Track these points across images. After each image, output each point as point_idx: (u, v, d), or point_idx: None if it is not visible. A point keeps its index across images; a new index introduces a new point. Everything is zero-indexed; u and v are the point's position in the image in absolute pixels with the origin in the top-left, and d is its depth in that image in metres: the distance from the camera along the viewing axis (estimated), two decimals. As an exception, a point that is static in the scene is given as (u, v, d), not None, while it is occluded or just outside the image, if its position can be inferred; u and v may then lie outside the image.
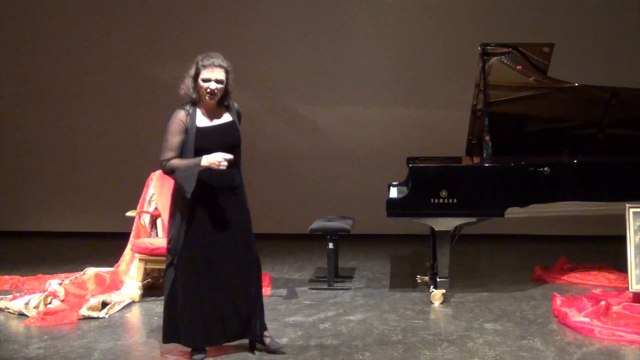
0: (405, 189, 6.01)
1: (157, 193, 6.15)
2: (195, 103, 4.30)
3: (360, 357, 4.38)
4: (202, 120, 4.27)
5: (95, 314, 5.26)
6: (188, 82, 4.29)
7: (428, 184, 5.53)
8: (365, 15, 8.40)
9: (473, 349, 4.51)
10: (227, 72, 4.28)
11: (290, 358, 4.36)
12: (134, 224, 6.00)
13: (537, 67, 5.99)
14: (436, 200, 5.48)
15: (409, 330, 4.89)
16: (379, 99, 8.41)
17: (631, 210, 5.28)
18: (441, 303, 5.52)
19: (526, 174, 5.56)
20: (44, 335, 4.86)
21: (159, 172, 6.25)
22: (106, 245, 7.26)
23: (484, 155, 5.99)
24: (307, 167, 8.25)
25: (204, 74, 4.23)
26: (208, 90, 4.22)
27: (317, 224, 6.17)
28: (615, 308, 5.04)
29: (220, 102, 4.32)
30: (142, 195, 6.18)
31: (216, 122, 4.30)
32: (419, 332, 4.86)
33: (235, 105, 4.42)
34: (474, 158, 6.31)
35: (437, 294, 5.55)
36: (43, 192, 8.78)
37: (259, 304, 4.41)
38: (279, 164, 8.42)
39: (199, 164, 4.13)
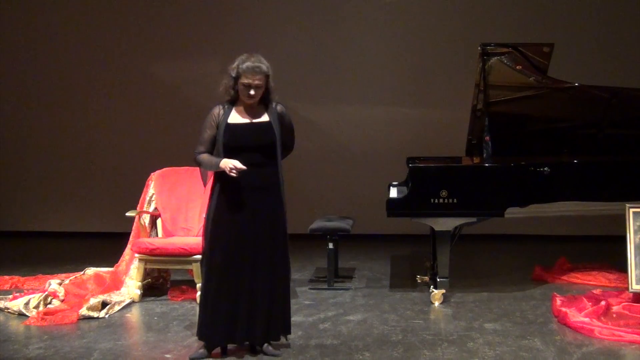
0: (405, 189, 6.01)
1: (157, 193, 6.15)
2: (233, 101, 4.34)
3: (360, 357, 4.38)
4: (235, 117, 4.32)
5: (95, 314, 5.26)
6: (227, 80, 4.30)
7: (428, 184, 5.52)
8: (365, 15, 8.40)
9: (473, 349, 4.51)
10: (267, 75, 4.28)
11: (291, 358, 4.36)
12: (134, 224, 6.00)
13: (537, 67, 5.99)
14: (436, 200, 5.48)
15: (409, 330, 4.89)
16: (379, 99, 8.40)
17: (631, 210, 5.28)
18: (441, 303, 5.52)
19: (526, 174, 5.56)
20: (44, 335, 4.86)
21: (159, 172, 6.27)
22: (106, 245, 7.26)
23: (484, 155, 5.99)
24: (307, 167, 8.25)
25: (244, 79, 4.24)
26: (247, 95, 4.25)
27: (317, 224, 6.17)
28: (615, 308, 5.03)
29: (260, 101, 4.34)
30: (142, 195, 6.18)
31: (249, 120, 4.32)
32: (419, 332, 4.86)
33: (279, 107, 4.40)
34: (474, 158, 6.31)
35: (437, 294, 5.55)
36: (43, 192, 8.78)
37: (275, 309, 4.35)
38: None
39: (217, 165, 4.22)
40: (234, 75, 4.27)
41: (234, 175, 4.15)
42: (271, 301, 4.32)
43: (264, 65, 4.26)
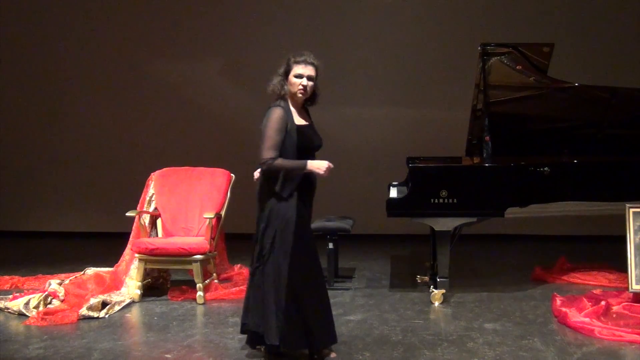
0: (405, 189, 6.01)
1: (157, 193, 6.16)
2: (284, 101, 4.20)
3: (360, 357, 4.38)
4: (297, 119, 4.20)
5: (95, 314, 5.27)
6: (276, 80, 4.20)
7: (428, 184, 5.53)
8: (365, 15, 8.41)
9: (473, 349, 4.51)
10: (317, 70, 4.21)
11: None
12: (134, 224, 6.00)
13: (537, 67, 6.00)
14: (436, 200, 5.48)
15: (409, 330, 4.89)
16: (379, 99, 8.41)
17: (631, 210, 5.29)
18: (441, 303, 5.52)
19: (526, 174, 5.56)
20: (44, 335, 4.86)
21: (159, 172, 6.27)
22: (106, 245, 7.26)
23: (484, 155, 5.99)
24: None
25: (296, 70, 4.16)
26: (300, 86, 4.15)
27: (317, 224, 6.16)
28: (615, 308, 5.04)
29: (305, 102, 4.28)
30: (142, 195, 6.18)
31: (305, 122, 4.26)
32: (419, 332, 4.86)
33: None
34: (474, 158, 6.31)
35: (437, 294, 5.55)
36: (43, 192, 8.79)
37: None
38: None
39: (304, 167, 4.10)
40: (282, 71, 4.18)
41: (326, 175, 4.11)
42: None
43: (315, 59, 4.21)
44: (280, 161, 4.07)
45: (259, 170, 4.33)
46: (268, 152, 4.07)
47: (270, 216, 4.14)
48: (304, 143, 4.16)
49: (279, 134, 4.09)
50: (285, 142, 4.11)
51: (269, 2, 8.49)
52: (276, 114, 4.11)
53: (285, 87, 4.18)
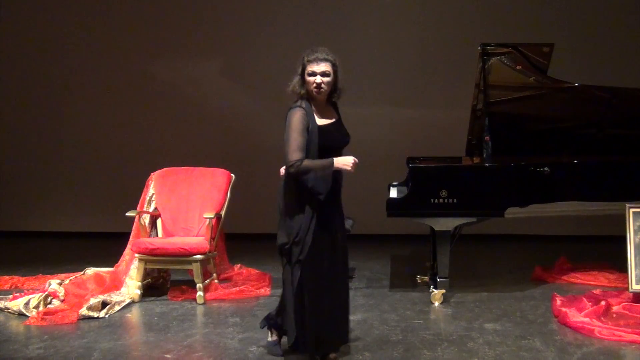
0: (405, 189, 6.01)
1: (157, 193, 6.16)
2: (305, 101, 4.15)
3: (360, 357, 4.38)
4: (318, 119, 4.15)
5: (95, 314, 5.27)
6: (295, 79, 4.18)
7: (428, 184, 5.52)
8: (365, 15, 8.40)
9: (473, 349, 4.51)
10: (333, 65, 4.17)
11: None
12: (134, 224, 6.00)
13: (537, 67, 5.99)
14: (436, 200, 5.48)
15: (409, 330, 4.89)
16: (379, 99, 8.40)
17: (631, 210, 5.29)
18: (441, 303, 5.52)
19: (526, 174, 5.56)
20: (44, 335, 4.86)
21: (159, 172, 6.27)
22: (106, 245, 7.26)
23: (484, 155, 5.99)
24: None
25: (309, 68, 4.13)
26: (314, 84, 4.11)
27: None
28: (615, 308, 5.04)
29: (328, 99, 4.23)
30: (142, 195, 6.18)
31: (329, 120, 4.21)
32: (419, 332, 4.86)
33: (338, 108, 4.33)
34: (474, 158, 6.31)
35: (437, 294, 5.55)
36: (43, 192, 8.78)
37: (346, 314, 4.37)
38: (281, 164, 8.39)
39: (331, 166, 4.06)
40: (299, 71, 4.16)
41: (352, 171, 4.08)
42: (343, 307, 4.32)
43: (329, 54, 4.18)
44: (307, 162, 4.04)
45: (284, 167, 4.32)
46: (294, 155, 4.03)
47: (292, 216, 4.13)
48: (326, 142, 4.11)
49: (301, 135, 4.05)
50: (308, 142, 4.07)
51: (269, 3, 8.49)
52: (296, 115, 4.08)
53: (304, 86, 4.15)
